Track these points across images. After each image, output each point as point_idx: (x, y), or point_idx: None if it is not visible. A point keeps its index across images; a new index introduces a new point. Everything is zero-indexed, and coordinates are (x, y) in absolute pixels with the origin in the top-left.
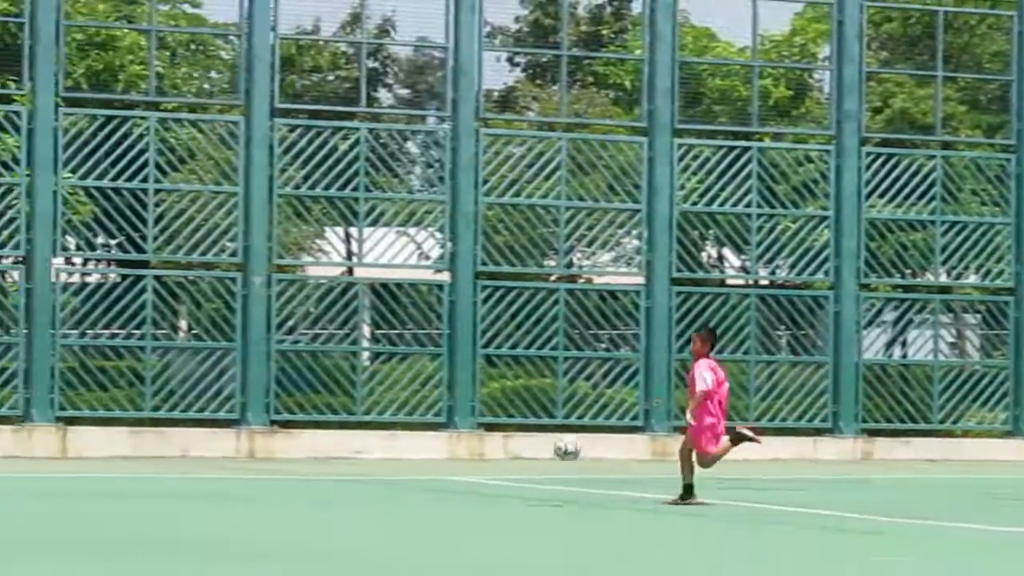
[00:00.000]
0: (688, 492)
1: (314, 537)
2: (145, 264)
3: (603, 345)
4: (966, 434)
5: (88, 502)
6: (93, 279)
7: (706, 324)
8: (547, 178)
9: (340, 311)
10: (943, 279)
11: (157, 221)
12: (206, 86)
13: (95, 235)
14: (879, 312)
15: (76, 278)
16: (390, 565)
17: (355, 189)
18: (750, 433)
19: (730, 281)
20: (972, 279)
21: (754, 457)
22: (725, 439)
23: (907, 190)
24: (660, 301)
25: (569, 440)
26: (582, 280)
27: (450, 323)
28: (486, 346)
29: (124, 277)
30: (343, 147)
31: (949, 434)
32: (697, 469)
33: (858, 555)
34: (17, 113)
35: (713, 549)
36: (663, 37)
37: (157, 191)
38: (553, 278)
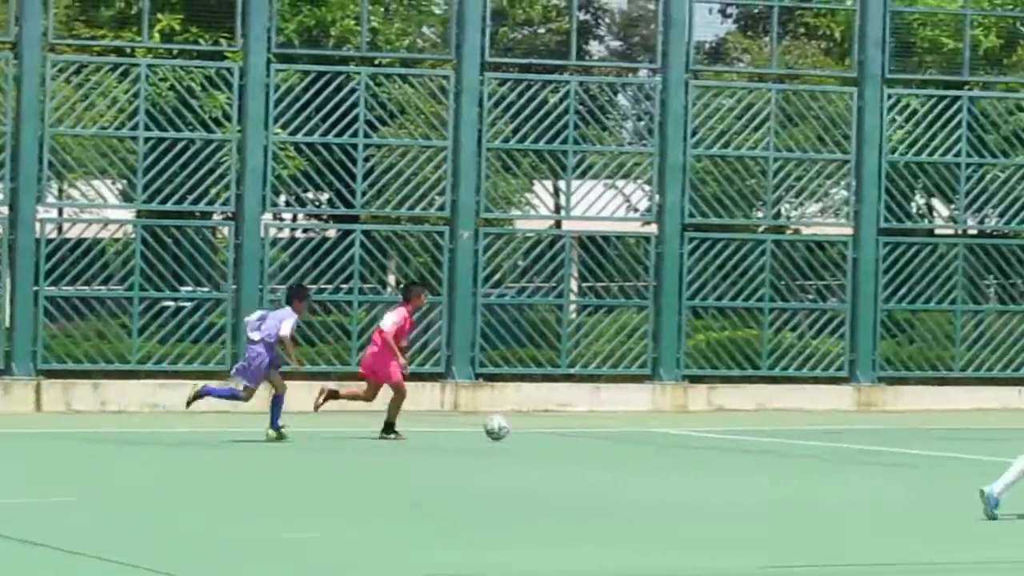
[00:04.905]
0: None
1: (522, 487)
2: (354, 219)
3: (810, 296)
4: None
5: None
6: (302, 235)
7: None
8: (756, 129)
9: (547, 264)
10: None
11: (366, 176)
12: (418, 41)
13: (304, 191)
14: None
15: (285, 233)
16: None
17: (564, 142)
18: None
19: (938, 231)
20: None
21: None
22: None
23: None
24: (868, 252)
25: (497, 421)
26: (790, 231)
27: (657, 275)
28: (692, 298)
29: (333, 232)
30: (553, 100)
31: None
32: None
33: None
34: (229, 70)
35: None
36: None
37: (367, 146)
38: (761, 229)
